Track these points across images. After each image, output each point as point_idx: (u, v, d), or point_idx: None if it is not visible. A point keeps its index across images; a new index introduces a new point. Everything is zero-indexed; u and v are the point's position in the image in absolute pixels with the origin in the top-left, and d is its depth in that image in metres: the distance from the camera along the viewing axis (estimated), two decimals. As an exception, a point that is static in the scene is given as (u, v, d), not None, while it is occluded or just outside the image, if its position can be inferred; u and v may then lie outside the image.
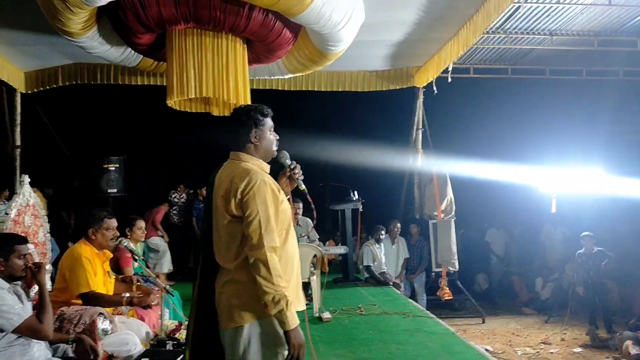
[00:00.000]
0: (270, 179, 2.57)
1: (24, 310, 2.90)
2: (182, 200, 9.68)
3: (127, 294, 3.84)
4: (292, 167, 2.84)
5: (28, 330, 2.89)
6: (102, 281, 3.83)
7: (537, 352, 7.04)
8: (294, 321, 2.42)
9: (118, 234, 3.99)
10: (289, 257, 2.56)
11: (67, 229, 9.63)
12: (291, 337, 2.41)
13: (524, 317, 8.92)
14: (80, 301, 3.64)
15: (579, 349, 7.11)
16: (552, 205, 9.98)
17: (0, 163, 8.95)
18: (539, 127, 11.04)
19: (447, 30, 7.16)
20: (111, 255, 4.11)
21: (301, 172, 2.85)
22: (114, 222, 3.99)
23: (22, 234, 3.87)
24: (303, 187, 2.91)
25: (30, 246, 3.96)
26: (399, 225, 8.96)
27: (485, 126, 11.72)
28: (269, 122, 2.68)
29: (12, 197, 3.94)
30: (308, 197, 3.04)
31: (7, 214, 3.73)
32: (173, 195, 9.65)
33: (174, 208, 9.60)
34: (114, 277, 4.18)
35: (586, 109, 10.75)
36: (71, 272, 3.69)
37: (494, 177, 9.44)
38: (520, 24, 7.64)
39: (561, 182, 9.59)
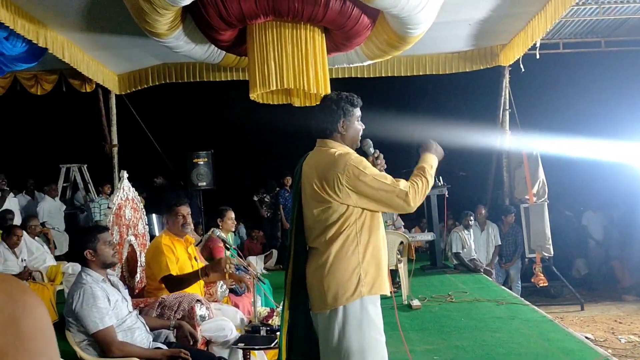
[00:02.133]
0: (361, 158, 2.58)
1: (108, 316, 2.96)
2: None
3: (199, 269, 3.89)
4: (375, 155, 2.82)
5: (100, 339, 2.93)
6: (188, 265, 3.94)
7: (643, 340, 6.61)
8: (433, 161, 2.69)
9: (188, 219, 4.00)
10: (378, 242, 2.56)
11: None
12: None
13: (626, 304, 8.39)
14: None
15: (690, 337, 6.61)
16: (655, 185, 9.29)
17: (100, 161, 9.55)
18: (638, 101, 10.29)
19: (533, 4, 6.81)
20: (193, 241, 4.20)
21: (384, 161, 2.82)
22: (183, 209, 3.99)
23: (124, 226, 4.10)
24: None
25: (132, 237, 4.21)
26: (483, 211, 8.64)
27: (578, 103, 11.08)
28: (357, 112, 2.68)
29: (113, 192, 4.16)
30: None
31: (109, 207, 3.96)
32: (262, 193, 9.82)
33: (265, 204, 9.78)
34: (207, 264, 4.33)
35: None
36: (152, 260, 3.85)
37: (590, 157, 8.92)
38: (613, -8, 7.17)
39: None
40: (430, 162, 2.66)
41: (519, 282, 8.55)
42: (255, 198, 9.75)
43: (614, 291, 9.16)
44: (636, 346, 6.44)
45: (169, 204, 4.04)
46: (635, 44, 8.89)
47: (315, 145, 2.70)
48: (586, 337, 6.14)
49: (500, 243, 8.58)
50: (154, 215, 9.36)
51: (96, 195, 9.33)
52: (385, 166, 2.84)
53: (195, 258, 4.07)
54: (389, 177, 2.52)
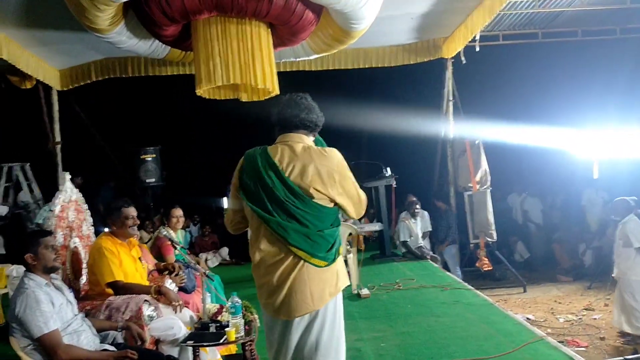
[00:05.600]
0: None
1: (53, 320, 2.94)
2: None
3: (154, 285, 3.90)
4: None
5: (46, 343, 2.91)
6: (132, 269, 3.92)
7: (579, 318, 6.99)
8: None
9: (138, 222, 3.98)
10: None
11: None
12: None
13: (566, 285, 8.83)
14: (112, 291, 3.78)
15: (623, 314, 7.02)
16: (594, 170, 9.71)
17: (42, 160, 9.28)
18: (576, 90, 10.73)
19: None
20: (136, 243, 4.16)
21: None
22: (131, 211, 3.95)
23: (67, 229, 4.05)
24: None
25: (76, 240, 4.16)
26: (414, 198, 8.87)
27: (519, 93, 11.49)
28: None
29: (55, 194, 4.09)
30: None
31: (51, 210, 3.90)
32: None
33: None
34: (153, 265, 4.32)
35: (625, 69, 10.39)
36: (95, 265, 3.82)
37: (529, 144, 9.29)
38: (548, -14, 7.46)
39: (600, 145, 9.34)
40: None
41: (458, 268, 8.86)
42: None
43: (554, 273, 9.61)
44: (573, 324, 6.82)
45: (117, 205, 3.99)
46: (570, 35, 9.29)
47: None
48: (527, 318, 6.48)
49: (430, 229, 8.89)
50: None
51: (40, 195, 9.06)
52: None
53: (140, 258, 4.04)
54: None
